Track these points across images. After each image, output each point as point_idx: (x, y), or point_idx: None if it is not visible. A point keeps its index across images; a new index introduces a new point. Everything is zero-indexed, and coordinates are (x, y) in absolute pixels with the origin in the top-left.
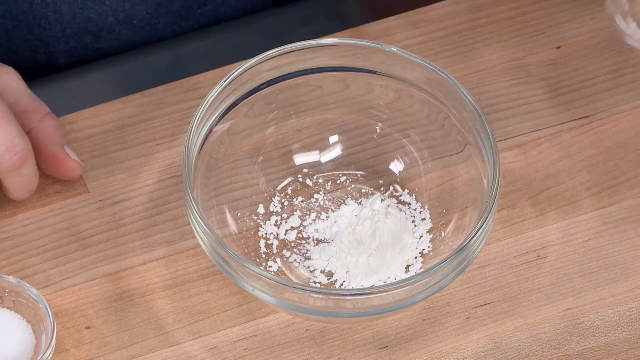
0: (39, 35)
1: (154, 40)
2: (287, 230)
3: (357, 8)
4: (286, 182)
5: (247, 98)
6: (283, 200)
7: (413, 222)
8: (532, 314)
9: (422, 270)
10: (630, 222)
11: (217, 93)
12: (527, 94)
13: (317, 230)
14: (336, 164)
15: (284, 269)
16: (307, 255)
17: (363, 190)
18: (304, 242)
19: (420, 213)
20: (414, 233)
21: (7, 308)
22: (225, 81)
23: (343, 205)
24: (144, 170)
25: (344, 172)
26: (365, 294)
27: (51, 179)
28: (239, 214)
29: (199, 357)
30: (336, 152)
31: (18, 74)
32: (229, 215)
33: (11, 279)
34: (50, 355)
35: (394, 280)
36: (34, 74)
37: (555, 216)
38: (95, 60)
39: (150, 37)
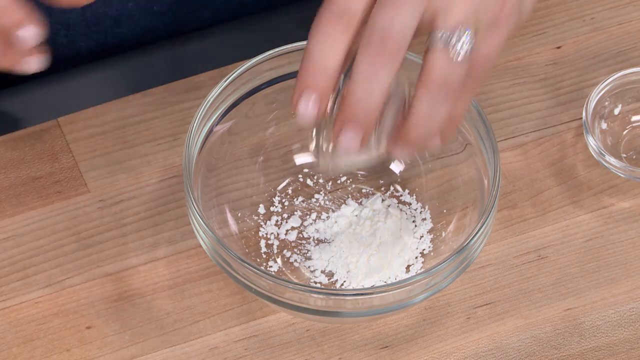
0: (59, 18)
1: (174, 27)
2: (287, 230)
3: None
4: (286, 181)
5: (247, 98)
6: (283, 200)
7: (413, 221)
8: (532, 314)
9: (422, 270)
10: (630, 222)
11: (217, 93)
12: (527, 93)
13: (317, 230)
14: None
15: (284, 269)
16: (308, 255)
17: (363, 190)
18: (304, 242)
19: (420, 213)
20: (414, 233)
21: None
22: (225, 81)
23: (343, 205)
24: (144, 170)
25: (344, 172)
26: (365, 294)
27: (51, 179)
28: (239, 214)
29: (200, 357)
30: None
31: None
32: (229, 215)
33: None
34: None
35: (394, 280)
36: (54, 57)
37: (555, 216)
38: (115, 45)
39: (171, 24)
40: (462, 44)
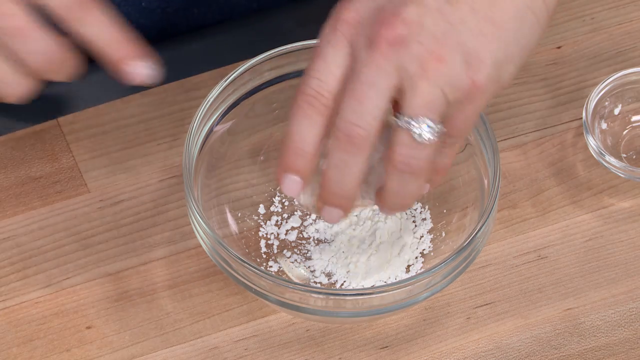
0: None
1: (163, 24)
2: (287, 230)
3: None
4: None
5: (247, 98)
6: (283, 200)
7: (413, 221)
8: (532, 314)
9: (422, 270)
10: (630, 222)
11: (217, 93)
12: (527, 93)
13: (317, 230)
14: None
15: (284, 269)
16: (308, 255)
17: None
18: (304, 242)
19: (420, 213)
20: (415, 233)
21: None
22: (225, 81)
23: None
24: (144, 170)
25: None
26: (365, 294)
27: (51, 179)
28: (239, 214)
29: (200, 357)
30: None
31: None
32: (229, 215)
33: None
34: None
35: (394, 280)
36: None
37: (555, 216)
38: None
39: (160, 21)
40: (423, 132)
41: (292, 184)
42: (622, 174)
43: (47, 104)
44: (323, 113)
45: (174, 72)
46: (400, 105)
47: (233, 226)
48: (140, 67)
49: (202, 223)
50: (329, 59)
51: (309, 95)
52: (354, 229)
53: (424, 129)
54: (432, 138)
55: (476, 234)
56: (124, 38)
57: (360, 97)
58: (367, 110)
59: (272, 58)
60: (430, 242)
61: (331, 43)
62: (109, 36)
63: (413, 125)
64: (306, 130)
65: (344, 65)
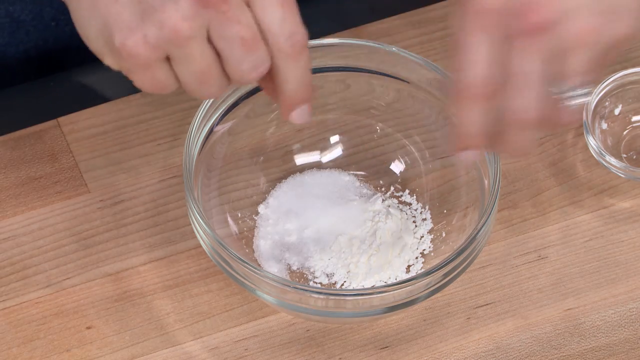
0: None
1: None
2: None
3: (357, 8)
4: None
5: (247, 98)
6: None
7: (414, 222)
8: (532, 314)
9: (422, 270)
10: (630, 222)
11: None
12: None
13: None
14: (336, 164)
15: (284, 269)
16: (308, 255)
17: (364, 191)
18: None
19: (420, 213)
20: (415, 233)
21: None
22: None
23: None
24: (144, 170)
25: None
26: (365, 294)
27: (51, 179)
28: (239, 214)
29: (200, 357)
30: (337, 152)
31: None
32: (229, 215)
33: None
34: None
35: (395, 280)
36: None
37: (556, 216)
38: None
39: None
40: (580, 99)
41: (470, 155)
42: (623, 174)
43: (47, 104)
44: (486, 100)
45: None
46: (557, 72)
47: (233, 226)
48: (302, 112)
49: (202, 223)
50: (474, 49)
51: (467, 89)
52: (354, 230)
53: (581, 97)
54: (588, 99)
55: (476, 234)
56: (309, 85)
57: (522, 88)
58: (532, 97)
59: None
60: (431, 242)
61: (474, 34)
62: (300, 82)
63: (572, 95)
64: (475, 119)
65: (492, 52)
